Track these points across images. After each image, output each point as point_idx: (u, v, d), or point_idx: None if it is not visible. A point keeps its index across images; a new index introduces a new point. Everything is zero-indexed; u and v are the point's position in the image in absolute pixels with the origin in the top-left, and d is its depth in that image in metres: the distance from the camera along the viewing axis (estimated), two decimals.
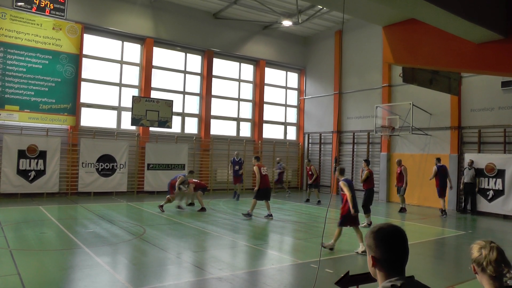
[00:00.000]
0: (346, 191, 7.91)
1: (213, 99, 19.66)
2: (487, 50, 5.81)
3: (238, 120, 20.83)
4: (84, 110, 16.58)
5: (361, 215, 8.91)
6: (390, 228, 1.83)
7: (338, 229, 8.01)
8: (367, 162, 12.01)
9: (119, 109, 17.39)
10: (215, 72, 19.76)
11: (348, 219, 7.94)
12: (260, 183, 11.54)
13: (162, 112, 17.18)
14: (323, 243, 7.64)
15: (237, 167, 16.58)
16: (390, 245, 1.79)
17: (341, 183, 8.03)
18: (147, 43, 17.66)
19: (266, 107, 21.50)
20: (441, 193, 13.45)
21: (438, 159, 13.84)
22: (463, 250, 8.66)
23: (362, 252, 7.73)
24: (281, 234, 10.05)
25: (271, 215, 11.73)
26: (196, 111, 19.56)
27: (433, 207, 15.43)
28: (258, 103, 21.07)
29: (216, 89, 19.88)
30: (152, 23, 17.72)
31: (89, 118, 16.73)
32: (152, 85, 17.95)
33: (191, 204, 13.69)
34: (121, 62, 17.55)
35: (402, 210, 14.04)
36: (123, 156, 16.60)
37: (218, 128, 20.06)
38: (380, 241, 1.80)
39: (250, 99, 21.29)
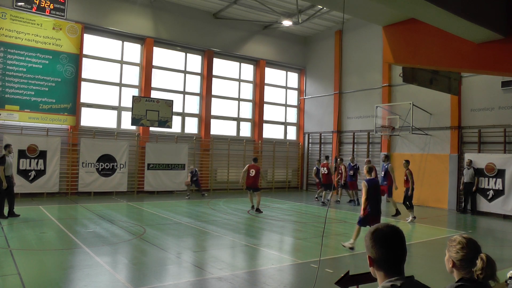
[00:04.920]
0: (363, 192, 7.79)
1: (213, 99, 19.66)
2: (487, 50, 5.81)
3: (238, 120, 20.83)
4: (84, 110, 16.58)
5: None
6: (387, 229, 1.85)
7: (357, 227, 7.96)
8: (407, 162, 12.50)
9: (119, 109, 17.40)
10: (215, 72, 19.76)
11: (368, 220, 7.78)
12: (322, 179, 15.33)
13: (162, 112, 17.19)
14: (343, 243, 8.16)
15: (351, 172, 15.88)
16: (386, 246, 1.80)
17: (362, 183, 7.89)
18: (147, 43, 17.66)
19: (266, 107, 21.50)
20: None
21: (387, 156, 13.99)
22: None
23: None
24: (281, 234, 10.05)
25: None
26: (196, 111, 19.56)
27: (433, 207, 15.43)
28: (258, 103, 21.07)
29: (216, 89, 19.88)
30: (152, 23, 17.72)
31: (89, 118, 16.73)
32: (152, 85, 17.95)
33: None
34: (121, 62, 17.54)
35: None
36: (123, 156, 16.60)
37: (218, 128, 20.07)
38: (376, 242, 1.82)
39: (250, 99, 21.29)
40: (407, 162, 12.45)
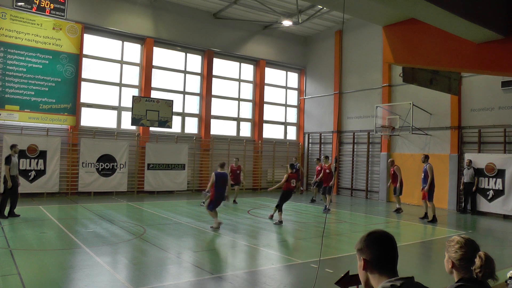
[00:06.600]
0: (210, 181, 10.03)
1: (213, 99, 19.66)
2: (487, 50, 5.81)
3: (238, 120, 20.82)
4: (84, 110, 16.57)
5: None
6: (379, 232, 1.92)
7: (209, 212, 10.03)
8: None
9: (119, 109, 17.39)
10: (215, 72, 19.76)
11: (215, 204, 9.98)
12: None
13: (162, 112, 17.18)
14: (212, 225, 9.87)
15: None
16: (382, 246, 1.86)
17: (212, 174, 10.11)
18: (147, 43, 17.66)
19: (266, 107, 21.50)
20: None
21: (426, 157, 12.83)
22: None
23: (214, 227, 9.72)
24: (281, 234, 10.05)
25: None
26: (196, 111, 19.56)
27: None
28: (258, 103, 21.07)
29: (216, 89, 19.88)
30: (152, 23, 17.72)
31: (89, 118, 16.72)
32: (152, 85, 17.94)
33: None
34: (121, 62, 17.54)
35: (398, 210, 13.96)
36: (123, 156, 16.59)
37: (218, 128, 20.06)
38: (371, 242, 1.88)
39: (250, 99, 21.28)
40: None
